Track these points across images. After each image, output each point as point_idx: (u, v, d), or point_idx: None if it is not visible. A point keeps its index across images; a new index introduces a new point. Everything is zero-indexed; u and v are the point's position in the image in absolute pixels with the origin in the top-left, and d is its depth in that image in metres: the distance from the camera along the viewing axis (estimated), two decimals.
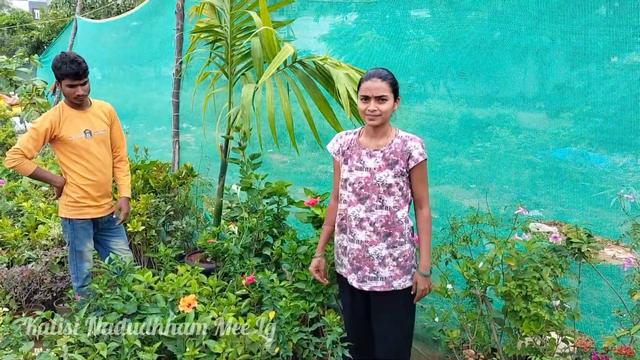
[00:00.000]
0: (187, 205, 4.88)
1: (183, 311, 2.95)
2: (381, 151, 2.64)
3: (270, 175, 4.08)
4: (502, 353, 2.91)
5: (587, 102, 3.26)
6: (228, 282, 3.48)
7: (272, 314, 2.64)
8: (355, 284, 2.71)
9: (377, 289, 2.67)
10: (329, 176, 4.62)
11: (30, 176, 3.42)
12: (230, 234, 3.56)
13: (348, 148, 2.74)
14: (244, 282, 2.85)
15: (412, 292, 2.71)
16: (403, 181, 2.62)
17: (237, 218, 4.00)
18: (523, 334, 2.90)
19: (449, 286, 2.97)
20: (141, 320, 3.08)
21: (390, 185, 2.60)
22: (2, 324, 2.98)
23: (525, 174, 3.61)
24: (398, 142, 2.64)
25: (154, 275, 3.38)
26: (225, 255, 3.79)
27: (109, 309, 3.17)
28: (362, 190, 2.64)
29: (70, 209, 3.51)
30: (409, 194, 2.67)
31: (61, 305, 4.04)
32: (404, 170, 2.60)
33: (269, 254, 3.62)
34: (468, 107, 3.79)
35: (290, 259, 3.27)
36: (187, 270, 3.51)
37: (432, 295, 3.68)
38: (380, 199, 2.62)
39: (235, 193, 4.15)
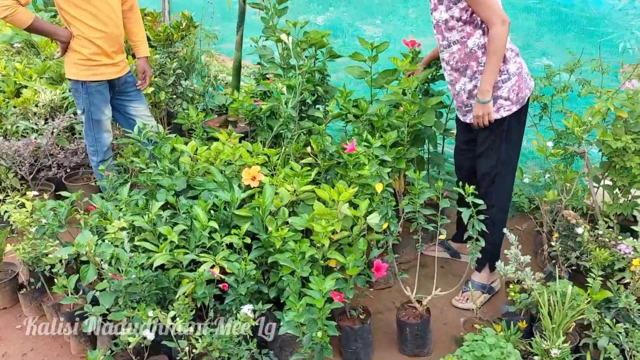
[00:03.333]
0: (191, 62, 4.22)
1: (248, 185, 2.54)
2: None
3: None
4: (599, 211, 2.71)
5: None
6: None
7: (379, 187, 2.26)
8: (460, 117, 2.70)
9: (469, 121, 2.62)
10: None
11: (28, 29, 2.70)
12: (280, 93, 3.03)
13: None
14: (345, 151, 2.41)
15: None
16: (460, 9, 2.36)
17: (271, 76, 3.45)
18: (624, 192, 2.70)
19: (549, 143, 2.64)
20: (194, 198, 2.67)
21: (446, 21, 2.43)
22: (33, 211, 2.49)
23: (528, 19, 3.39)
24: None
25: (185, 144, 2.91)
26: (263, 119, 3.32)
27: (153, 185, 2.71)
28: (435, 33, 2.54)
29: (82, 68, 2.85)
30: (477, 19, 2.37)
31: (73, 182, 3.52)
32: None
33: (322, 116, 3.15)
34: None
35: (360, 122, 2.83)
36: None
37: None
38: (445, 38, 2.49)
39: (265, 46, 3.55)
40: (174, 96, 4.03)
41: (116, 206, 2.57)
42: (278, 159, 2.88)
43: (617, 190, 2.71)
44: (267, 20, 3.44)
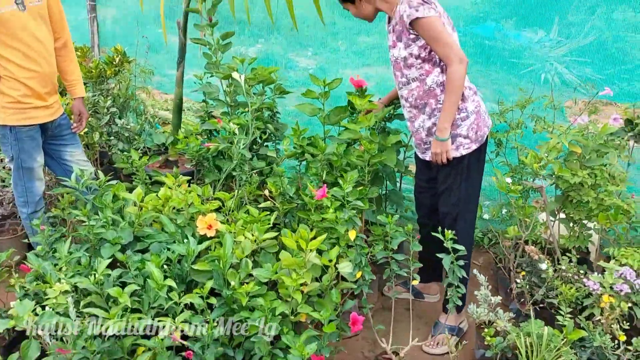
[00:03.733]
0: (126, 100, 3.97)
1: (204, 235, 2.35)
2: (391, 26, 2.48)
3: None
4: (557, 245, 2.73)
5: None
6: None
7: (352, 234, 2.14)
8: (420, 155, 2.70)
9: (428, 159, 2.61)
10: None
11: None
12: (230, 133, 2.87)
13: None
14: (316, 196, 2.27)
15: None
16: (419, 47, 2.38)
17: (217, 114, 3.29)
18: (580, 225, 2.75)
19: (508, 179, 2.65)
20: (142, 251, 2.44)
21: (405, 58, 2.44)
22: None
23: None
24: (398, 9, 2.41)
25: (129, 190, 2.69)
26: (210, 160, 3.14)
27: (96, 240, 2.46)
28: (394, 69, 2.55)
29: (10, 112, 2.57)
30: (436, 57, 2.39)
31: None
32: (411, 36, 2.37)
33: (275, 155, 3.02)
34: None
35: (318, 162, 2.72)
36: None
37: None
38: (403, 75, 2.49)
39: (210, 82, 3.40)
40: (110, 137, 3.76)
41: (55, 265, 2.29)
42: (232, 203, 2.71)
43: (572, 223, 2.76)
44: (210, 56, 3.30)
